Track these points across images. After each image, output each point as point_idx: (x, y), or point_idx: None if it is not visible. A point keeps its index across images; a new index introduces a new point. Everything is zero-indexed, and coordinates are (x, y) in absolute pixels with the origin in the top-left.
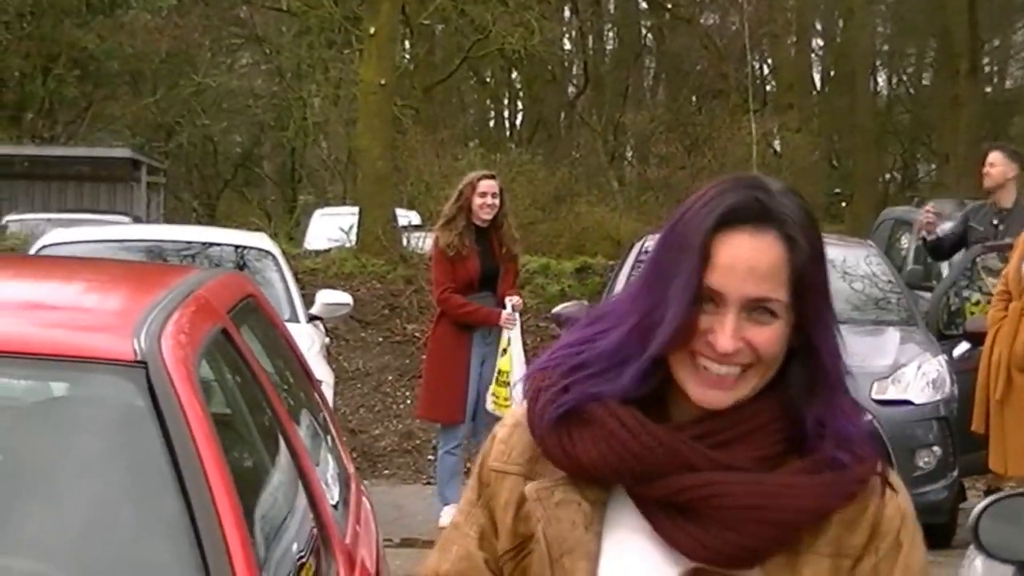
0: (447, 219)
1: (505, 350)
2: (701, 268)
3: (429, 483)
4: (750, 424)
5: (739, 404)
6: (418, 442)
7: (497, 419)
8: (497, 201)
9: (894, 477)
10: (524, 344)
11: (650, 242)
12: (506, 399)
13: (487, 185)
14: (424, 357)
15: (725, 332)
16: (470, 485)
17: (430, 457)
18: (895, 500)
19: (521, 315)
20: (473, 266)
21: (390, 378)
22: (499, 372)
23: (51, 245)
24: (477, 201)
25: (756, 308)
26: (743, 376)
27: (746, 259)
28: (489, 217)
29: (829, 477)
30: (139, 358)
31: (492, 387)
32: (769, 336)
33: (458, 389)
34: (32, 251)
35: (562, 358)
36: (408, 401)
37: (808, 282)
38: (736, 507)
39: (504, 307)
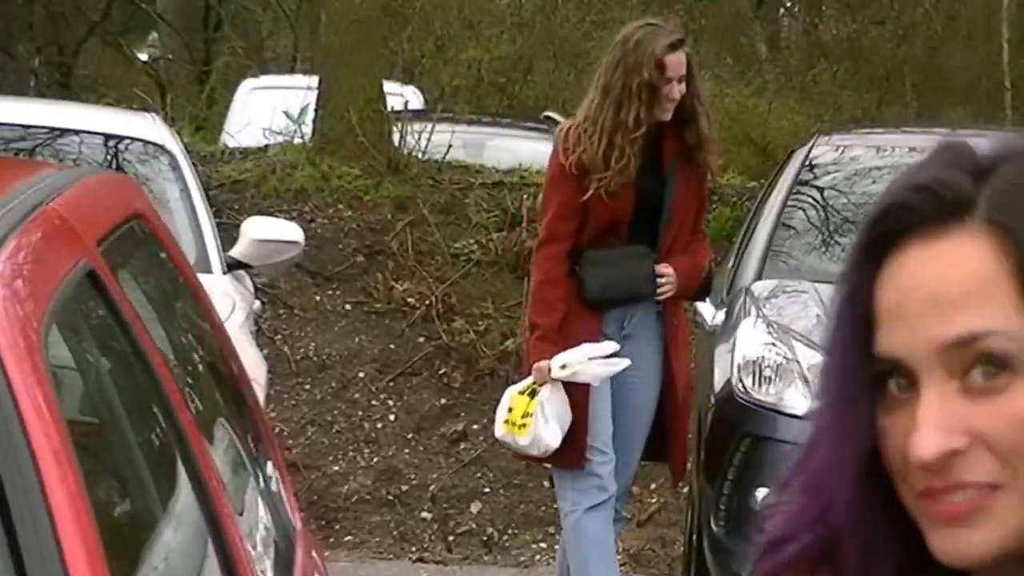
0: (610, 123)
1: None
2: (858, 329)
3: (421, 561)
4: None
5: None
6: (406, 487)
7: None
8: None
9: None
10: None
11: (821, 149)
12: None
13: (677, 61)
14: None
15: (921, 425)
16: None
17: (457, 516)
18: None
19: None
20: (626, 202)
21: (362, 375)
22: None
23: None
24: (663, 92)
25: (975, 364)
26: (994, 497)
27: (919, 283)
28: (668, 116)
29: None
30: None
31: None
32: (1011, 413)
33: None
34: None
35: None
36: (395, 416)
37: None
38: None
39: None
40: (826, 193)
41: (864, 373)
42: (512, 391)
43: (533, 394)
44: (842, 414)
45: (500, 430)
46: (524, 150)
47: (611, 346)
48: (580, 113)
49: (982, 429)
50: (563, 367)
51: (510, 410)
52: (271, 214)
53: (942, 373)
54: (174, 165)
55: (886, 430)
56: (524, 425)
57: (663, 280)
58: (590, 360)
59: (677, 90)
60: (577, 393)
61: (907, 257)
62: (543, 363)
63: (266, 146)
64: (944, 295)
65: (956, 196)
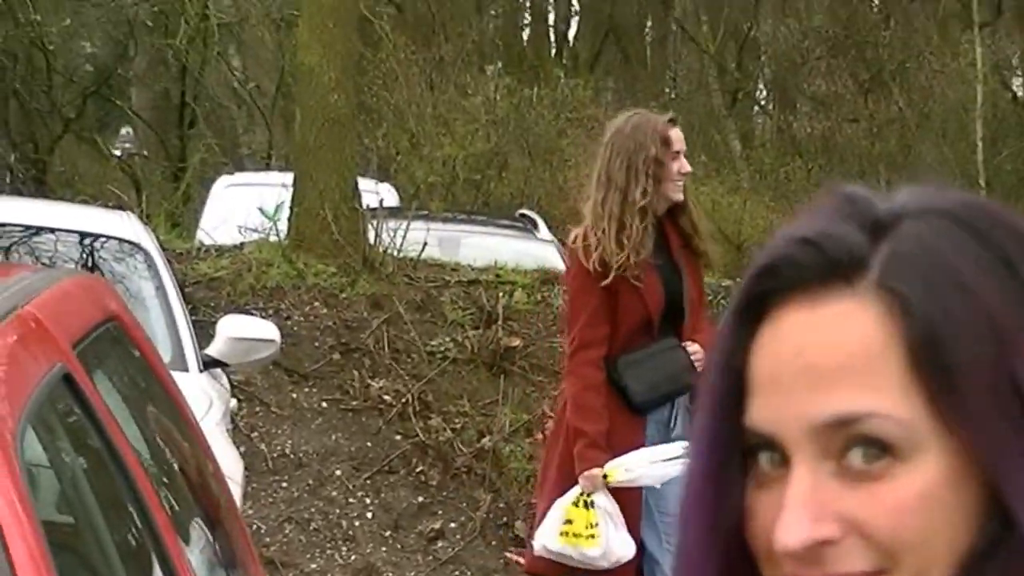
0: (617, 208)
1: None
2: (730, 396)
3: None
4: None
5: None
6: None
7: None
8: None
9: None
10: None
11: None
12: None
13: (678, 135)
14: (544, 464)
15: (788, 510)
16: None
17: None
18: None
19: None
20: (655, 292)
21: (339, 472)
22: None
23: None
24: (673, 168)
25: (854, 445)
26: None
27: (797, 350)
28: (681, 195)
29: None
30: None
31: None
32: (891, 501)
33: (630, 514)
34: None
35: None
36: (372, 514)
37: (962, 365)
38: None
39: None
40: None
41: (734, 444)
42: (564, 503)
43: (587, 504)
44: (709, 487)
45: (556, 543)
46: (500, 247)
47: (676, 448)
48: (587, 216)
49: (857, 517)
50: (626, 471)
51: (569, 522)
52: (247, 311)
53: (816, 453)
54: (149, 263)
55: (753, 507)
56: (593, 536)
57: (695, 355)
58: (651, 464)
59: (686, 163)
60: (627, 502)
61: (786, 320)
62: (595, 471)
63: (242, 243)
64: (823, 368)
65: (846, 254)
